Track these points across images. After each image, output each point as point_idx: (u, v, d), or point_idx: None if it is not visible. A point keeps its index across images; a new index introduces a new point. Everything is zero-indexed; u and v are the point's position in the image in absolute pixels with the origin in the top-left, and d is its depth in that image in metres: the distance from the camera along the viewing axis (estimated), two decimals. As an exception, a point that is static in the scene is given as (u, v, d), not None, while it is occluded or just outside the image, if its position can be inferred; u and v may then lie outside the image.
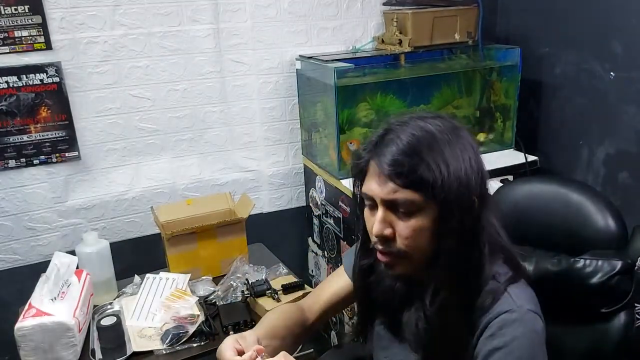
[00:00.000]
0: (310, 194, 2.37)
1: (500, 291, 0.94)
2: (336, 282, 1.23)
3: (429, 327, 0.98)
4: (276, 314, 1.20)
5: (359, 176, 0.99)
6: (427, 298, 0.97)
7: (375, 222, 0.95)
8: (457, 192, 0.90)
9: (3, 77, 1.85)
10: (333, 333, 2.36)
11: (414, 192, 0.90)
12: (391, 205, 0.93)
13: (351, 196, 1.94)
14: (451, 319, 0.95)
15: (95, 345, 1.53)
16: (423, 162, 0.89)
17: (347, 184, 2.00)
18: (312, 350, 1.65)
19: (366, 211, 1.00)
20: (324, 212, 2.24)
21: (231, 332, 1.55)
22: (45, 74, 1.90)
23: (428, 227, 0.92)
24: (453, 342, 0.96)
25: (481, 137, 2.37)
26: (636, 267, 1.16)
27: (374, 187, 0.94)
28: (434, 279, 0.97)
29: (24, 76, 1.88)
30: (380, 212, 0.94)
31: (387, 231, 0.94)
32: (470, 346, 0.94)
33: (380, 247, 0.96)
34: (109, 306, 1.72)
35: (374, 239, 0.97)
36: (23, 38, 1.85)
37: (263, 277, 1.75)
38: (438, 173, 0.89)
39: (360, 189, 0.99)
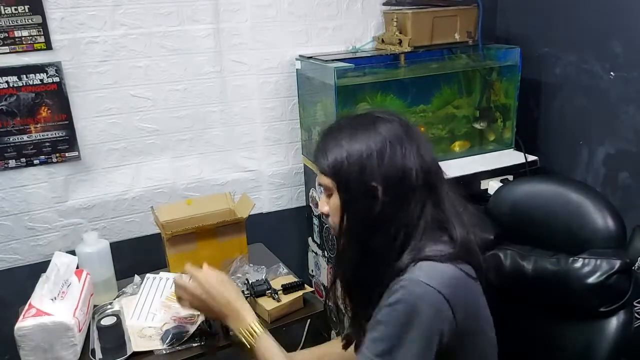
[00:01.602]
0: (310, 194, 2.37)
1: (410, 266, 1.02)
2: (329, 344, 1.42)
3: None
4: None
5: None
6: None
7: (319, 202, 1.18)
8: (353, 179, 1.05)
9: (3, 77, 1.85)
10: (333, 333, 2.36)
11: (326, 176, 1.10)
12: (324, 190, 1.13)
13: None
14: (359, 288, 1.15)
15: (95, 345, 1.53)
16: (330, 150, 1.08)
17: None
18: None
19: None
20: (324, 212, 2.24)
21: (231, 332, 1.55)
22: (45, 74, 1.90)
23: (338, 206, 1.09)
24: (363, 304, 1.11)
25: (455, 146, 2.37)
26: (635, 267, 1.17)
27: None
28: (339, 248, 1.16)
29: (24, 76, 1.88)
30: (322, 194, 1.16)
31: (325, 209, 1.15)
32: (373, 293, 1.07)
33: (327, 224, 1.19)
34: (109, 306, 1.72)
35: None
36: (23, 38, 1.85)
37: (263, 277, 1.75)
38: (333, 161, 1.07)
39: None
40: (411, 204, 1.04)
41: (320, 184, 1.14)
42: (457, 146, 2.37)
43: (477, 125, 2.36)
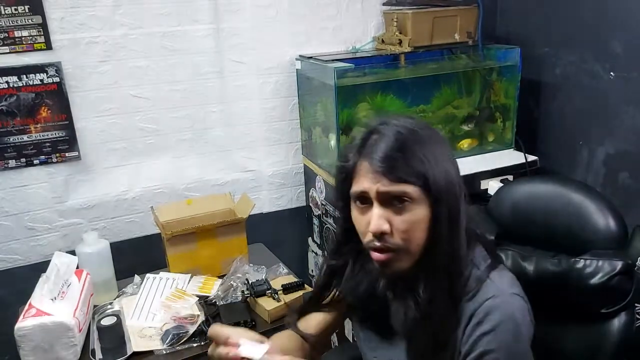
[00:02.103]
0: (310, 194, 2.37)
1: (482, 278, 0.97)
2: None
3: (419, 315, 0.99)
4: (283, 336, 1.18)
5: (347, 179, 1.00)
6: (419, 287, 0.99)
7: (371, 219, 0.95)
8: (445, 183, 0.95)
9: (3, 77, 1.85)
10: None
11: (408, 184, 0.93)
12: (386, 200, 0.95)
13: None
14: (441, 306, 0.97)
15: (95, 345, 1.53)
16: (414, 155, 0.94)
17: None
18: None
19: (355, 212, 1.01)
20: (324, 212, 2.24)
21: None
22: (45, 74, 1.90)
23: (422, 218, 0.95)
24: (441, 329, 0.98)
25: (464, 144, 2.37)
26: (636, 268, 1.16)
27: (366, 184, 0.95)
28: (424, 270, 0.98)
29: (24, 76, 1.88)
30: (376, 208, 0.95)
31: (386, 226, 0.94)
32: (455, 333, 0.97)
33: (377, 244, 0.96)
34: (109, 306, 1.72)
35: (368, 237, 0.98)
36: (23, 38, 1.85)
37: (263, 277, 1.75)
38: (429, 165, 0.94)
39: (348, 190, 1.00)
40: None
41: (386, 193, 0.94)
42: (465, 144, 2.36)
43: (464, 127, 2.35)
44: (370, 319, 1.13)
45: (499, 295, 0.94)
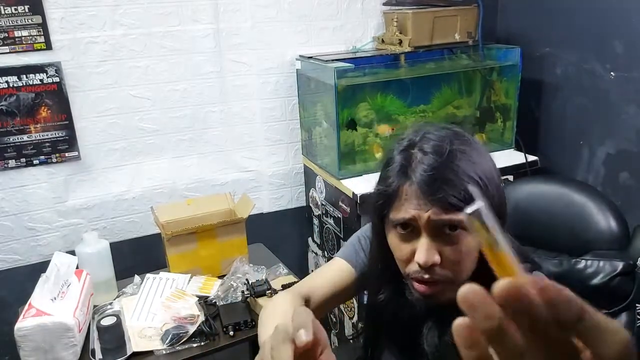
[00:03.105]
0: (310, 194, 2.37)
1: None
2: (339, 277, 1.11)
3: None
4: (287, 305, 1.06)
5: (386, 204, 0.91)
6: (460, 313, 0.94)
7: (419, 249, 0.87)
8: (498, 199, 0.87)
9: (3, 77, 1.85)
10: (333, 334, 2.36)
11: (457, 212, 0.83)
12: (437, 228, 0.86)
13: (351, 196, 1.94)
14: None
15: (95, 345, 1.53)
16: (464, 177, 0.83)
17: (347, 184, 2.00)
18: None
19: (395, 239, 0.92)
20: (324, 212, 2.24)
21: (231, 333, 1.55)
22: (45, 74, 1.90)
23: (476, 247, 0.86)
24: None
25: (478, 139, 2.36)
26: (637, 268, 1.16)
27: (413, 212, 0.86)
28: None
29: (24, 76, 1.88)
30: (425, 238, 0.86)
31: (436, 257, 0.86)
32: None
33: (425, 276, 0.88)
34: (109, 306, 1.72)
35: (412, 267, 0.90)
36: (23, 38, 1.85)
37: (263, 277, 1.75)
38: (483, 185, 0.84)
39: (388, 215, 0.91)
40: None
41: (440, 222, 0.85)
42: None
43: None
44: (401, 345, 1.06)
45: None
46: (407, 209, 0.87)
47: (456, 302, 0.87)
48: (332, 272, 1.12)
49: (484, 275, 0.90)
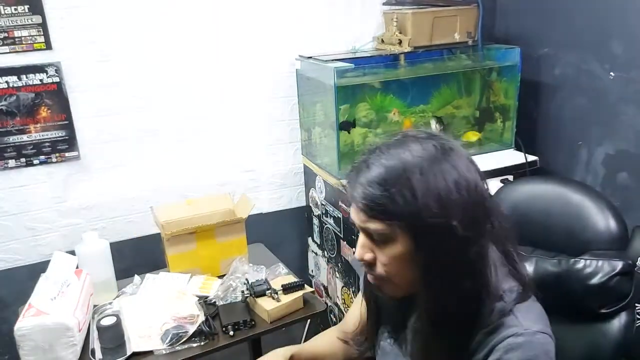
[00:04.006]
0: (310, 194, 2.37)
1: (505, 312, 0.91)
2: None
3: (424, 344, 0.97)
4: (325, 339, 1.24)
5: (349, 201, 0.98)
6: (421, 316, 0.97)
7: (357, 246, 0.97)
8: (429, 222, 0.86)
9: (3, 77, 1.85)
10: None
11: (382, 222, 0.89)
12: (366, 233, 0.94)
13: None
14: (445, 340, 0.94)
15: (95, 345, 1.53)
16: (389, 193, 0.87)
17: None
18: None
19: None
20: (324, 212, 2.25)
21: (231, 332, 1.56)
22: (45, 74, 1.90)
23: (404, 256, 0.91)
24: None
25: (473, 137, 2.36)
26: (636, 268, 1.16)
27: (353, 215, 0.95)
28: (422, 303, 0.95)
29: (24, 76, 1.88)
30: (360, 237, 0.96)
31: (367, 256, 0.95)
32: None
33: (365, 269, 0.99)
34: (109, 306, 1.72)
35: None
36: (23, 38, 1.85)
37: (263, 277, 1.75)
38: (404, 204, 0.86)
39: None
40: (485, 238, 0.92)
41: (364, 229, 0.93)
42: (470, 136, 2.36)
43: (433, 126, 2.32)
44: (391, 328, 1.12)
45: (521, 334, 0.89)
46: (351, 211, 0.96)
47: (401, 297, 0.91)
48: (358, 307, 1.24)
49: (422, 286, 0.92)
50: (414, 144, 0.91)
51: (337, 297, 2.27)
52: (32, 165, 1.97)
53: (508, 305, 0.92)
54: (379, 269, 0.95)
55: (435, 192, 0.87)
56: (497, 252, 0.97)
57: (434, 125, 2.28)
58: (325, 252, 2.32)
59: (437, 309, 0.92)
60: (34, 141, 1.94)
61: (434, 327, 0.94)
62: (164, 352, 1.50)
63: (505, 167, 2.14)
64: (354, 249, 2.00)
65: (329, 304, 2.36)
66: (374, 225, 0.90)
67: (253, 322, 1.60)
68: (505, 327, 0.90)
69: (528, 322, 0.91)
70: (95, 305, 1.70)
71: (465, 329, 0.92)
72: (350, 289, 2.14)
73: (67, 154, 2.00)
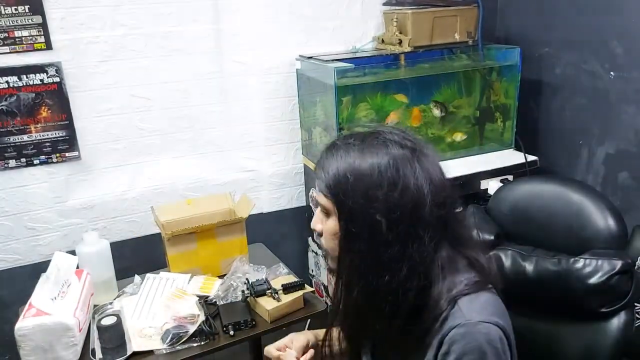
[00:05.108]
0: (310, 193, 2.35)
1: (450, 306, 0.93)
2: None
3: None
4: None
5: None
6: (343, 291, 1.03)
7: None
8: (356, 208, 0.94)
9: (3, 77, 1.85)
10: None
11: (325, 196, 0.99)
12: (320, 206, 1.03)
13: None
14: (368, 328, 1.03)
15: (96, 345, 1.53)
16: (329, 170, 0.98)
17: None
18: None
19: None
20: (324, 212, 2.24)
21: (231, 332, 1.56)
22: (45, 74, 1.90)
23: (334, 232, 1.00)
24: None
25: (458, 136, 2.36)
26: (636, 267, 1.16)
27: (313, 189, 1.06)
28: (340, 279, 1.02)
29: (24, 76, 1.88)
30: (317, 210, 1.05)
31: (317, 227, 1.04)
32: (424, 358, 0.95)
33: (317, 240, 1.07)
34: (109, 306, 1.72)
35: None
36: (23, 38, 1.85)
37: (263, 277, 1.75)
38: (337, 182, 0.96)
39: None
40: (424, 239, 0.93)
41: (317, 202, 1.03)
42: (457, 135, 2.36)
43: (435, 113, 2.31)
44: None
45: (463, 325, 0.90)
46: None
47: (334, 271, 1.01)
48: None
49: (339, 262, 1.00)
50: (382, 143, 0.97)
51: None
52: (33, 165, 1.97)
53: (453, 298, 0.94)
54: (323, 241, 1.05)
55: (367, 180, 0.93)
56: (454, 252, 0.99)
57: (437, 111, 2.29)
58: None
59: (346, 293, 1.00)
60: (35, 141, 1.95)
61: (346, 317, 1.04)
62: (164, 352, 1.50)
63: (505, 167, 2.14)
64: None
65: (329, 303, 2.36)
66: (320, 199, 1.01)
67: (253, 322, 1.60)
68: (451, 318, 0.93)
69: (472, 312, 0.93)
70: (95, 305, 1.70)
71: (390, 320, 0.96)
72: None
73: (67, 154, 2.00)
